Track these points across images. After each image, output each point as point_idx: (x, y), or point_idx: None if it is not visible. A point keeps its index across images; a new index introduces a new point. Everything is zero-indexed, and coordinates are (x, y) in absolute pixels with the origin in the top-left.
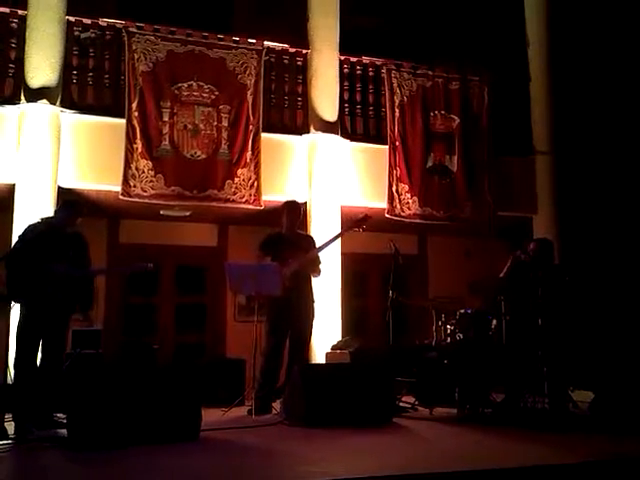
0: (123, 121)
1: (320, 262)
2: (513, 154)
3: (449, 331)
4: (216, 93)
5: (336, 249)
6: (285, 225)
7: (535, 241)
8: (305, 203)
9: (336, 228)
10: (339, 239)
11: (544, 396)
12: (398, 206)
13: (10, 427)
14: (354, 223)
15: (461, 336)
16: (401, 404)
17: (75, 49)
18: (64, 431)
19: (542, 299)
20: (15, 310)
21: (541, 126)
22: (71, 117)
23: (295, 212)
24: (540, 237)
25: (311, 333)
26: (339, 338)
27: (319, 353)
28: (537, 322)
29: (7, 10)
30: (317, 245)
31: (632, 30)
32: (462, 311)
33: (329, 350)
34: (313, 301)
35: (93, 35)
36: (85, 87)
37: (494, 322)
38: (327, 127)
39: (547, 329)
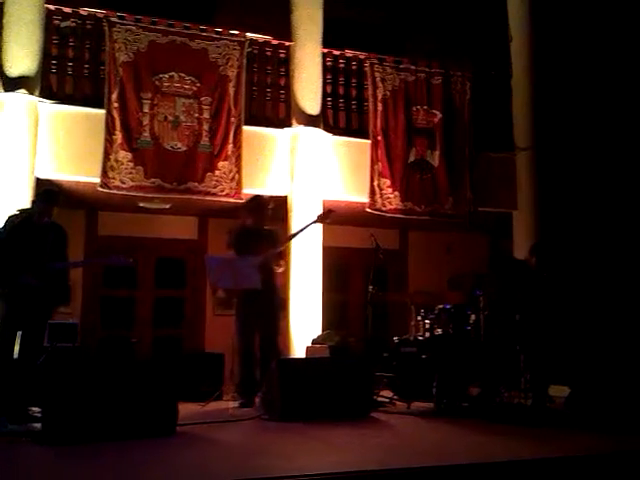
0: (103, 112)
1: (283, 256)
2: (494, 150)
3: (428, 326)
4: (197, 84)
5: (317, 243)
6: (253, 221)
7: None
8: (286, 197)
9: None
10: (303, 233)
11: (520, 391)
12: (379, 200)
13: None
14: (318, 218)
15: (440, 331)
16: (379, 398)
17: (55, 38)
18: (38, 425)
19: (520, 295)
20: None
21: (522, 122)
22: (50, 107)
23: (262, 209)
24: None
25: (279, 324)
26: (319, 332)
27: (299, 347)
28: (515, 318)
29: None
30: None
31: (614, 26)
32: (441, 306)
33: (309, 344)
34: (279, 295)
35: (73, 24)
36: (64, 77)
37: (472, 317)
38: (309, 120)
39: (525, 325)
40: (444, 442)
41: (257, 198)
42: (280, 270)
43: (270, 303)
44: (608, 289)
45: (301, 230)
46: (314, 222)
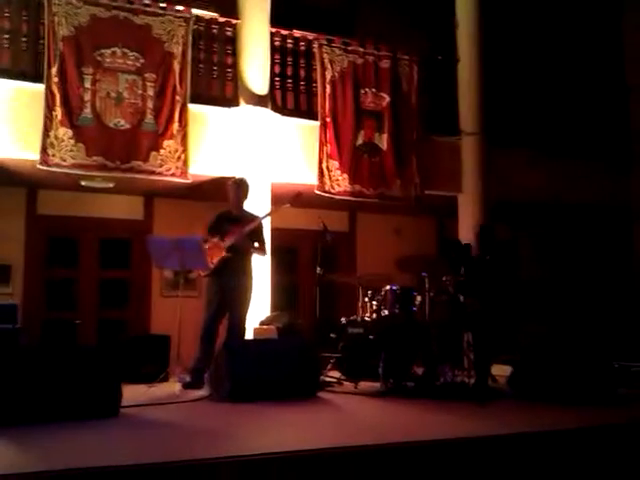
0: (42, 87)
1: (264, 241)
2: (440, 133)
3: (375, 307)
4: (141, 61)
5: (266, 224)
6: (231, 203)
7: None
8: (233, 178)
9: (266, 204)
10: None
11: (464, 370)
12: (328, 183)
13: None
14: (287, 200)
15: (386, 312)
16: (327, 379)
17: None
18: None
19: (464, 277)
20: None
21: (468, 107)
22: None
23: (241, 190)
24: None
25: (247, 306)
26: (268, 313)
27: (247, 328)
28: (459, 299)
29: None
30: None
31: (562, 12)
32: (387, 287)
33: (257, 325)
34: (251, 277)
35: None
36: (1, 50)
37: (418, 298)
38: (257, 100)
39: (469, 306)
40: (387, 420)
41: (238, 178)
42: (262, 255)
43: (243, 286)
44: (549, 270)
45: (270, 213)
46: (283, 204)
